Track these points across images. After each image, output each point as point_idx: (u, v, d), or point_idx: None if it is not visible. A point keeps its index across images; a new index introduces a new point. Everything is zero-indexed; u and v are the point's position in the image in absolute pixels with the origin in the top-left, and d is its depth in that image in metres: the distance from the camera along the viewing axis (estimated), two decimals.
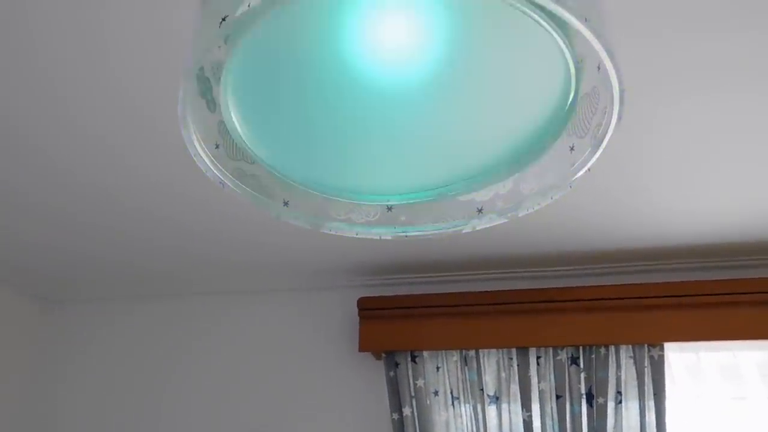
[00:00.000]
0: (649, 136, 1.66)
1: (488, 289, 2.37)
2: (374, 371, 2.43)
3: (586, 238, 2.18)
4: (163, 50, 1.41)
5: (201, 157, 0.59)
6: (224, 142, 0.64)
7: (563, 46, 0.53)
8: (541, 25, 0.54)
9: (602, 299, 2.21)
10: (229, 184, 0.63)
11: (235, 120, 0.65)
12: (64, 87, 1.53)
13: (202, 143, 0.60)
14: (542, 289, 2.28)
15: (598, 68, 0.56)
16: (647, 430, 2.09)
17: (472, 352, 2.27)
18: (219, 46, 0.63)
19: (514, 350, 2.25)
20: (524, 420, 2.16)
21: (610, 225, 2.09)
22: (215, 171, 0.61)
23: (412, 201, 0.70)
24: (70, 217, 2.14)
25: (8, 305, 2.65)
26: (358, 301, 2.39)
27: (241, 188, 0.64)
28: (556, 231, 2.14)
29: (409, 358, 2.29)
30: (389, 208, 0.71)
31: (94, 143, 1.75)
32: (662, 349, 2.15)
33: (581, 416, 2.14)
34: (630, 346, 2.17)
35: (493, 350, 2.28)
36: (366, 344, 2.34)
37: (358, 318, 2.45)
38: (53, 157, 1.81)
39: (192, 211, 2.09)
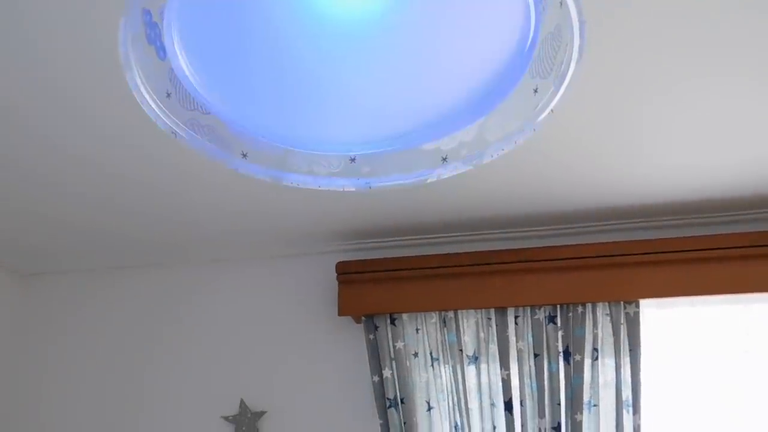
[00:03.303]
0: (623, 89, 1.65)
1: (465, 251, 2.37)
2: (354, 335, 2.43)
3: (562, 198, 2.18)
4: None
5: (149, 105, 0.56)
6: (176, 91, 0.61)
7: None
8: None
9: (578, 258, 2.22)
10: (182, 134, 0.60)
11: (186, 68, 0.62)
12: (38, 46, 1.48)
13: (152, 92, 0.57)
14: (519, 249, 2.28)
15: (560, 5, 0.54)
16: (623, 385, 2.12)
17: (450, 314, 2.28)
18: None
19: (492, 311, 2.26)
20: (503, 379, 2.18)
21: (584, 184, 2.09)
22: (166, 120, 0.58)
23: (375, 151, 0.68)
24: (44, 182, 2.09)
25: None
26: (336, 266, 2.38)
27: (196, 139, 0.62)
28: (532, 191, 2.13)
29: (389, 321, 2.30)
30: (352, 159, 0.69)
31: (67, 104, 1.70)
32: (638, 305, 2.17)
33: (559, 374, 2.16)
34: (606, 304, 2.19)
35: (472, 311, 2.28)
36: (345, 308, 2.34)
37: (336, 283, 2.44)
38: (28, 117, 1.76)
39: (166, 178, 2.05)
